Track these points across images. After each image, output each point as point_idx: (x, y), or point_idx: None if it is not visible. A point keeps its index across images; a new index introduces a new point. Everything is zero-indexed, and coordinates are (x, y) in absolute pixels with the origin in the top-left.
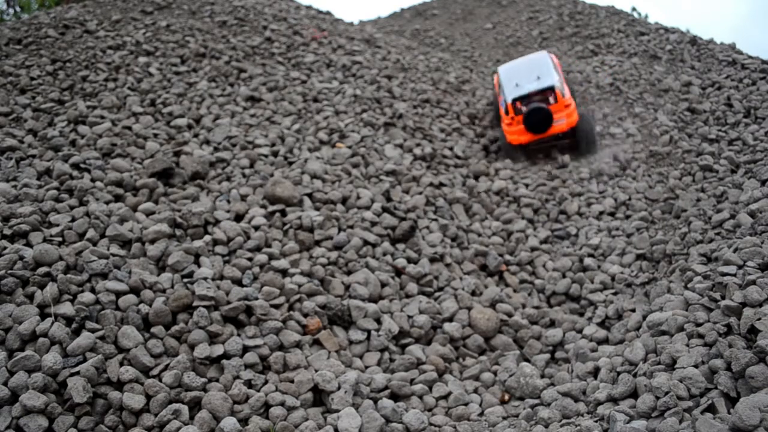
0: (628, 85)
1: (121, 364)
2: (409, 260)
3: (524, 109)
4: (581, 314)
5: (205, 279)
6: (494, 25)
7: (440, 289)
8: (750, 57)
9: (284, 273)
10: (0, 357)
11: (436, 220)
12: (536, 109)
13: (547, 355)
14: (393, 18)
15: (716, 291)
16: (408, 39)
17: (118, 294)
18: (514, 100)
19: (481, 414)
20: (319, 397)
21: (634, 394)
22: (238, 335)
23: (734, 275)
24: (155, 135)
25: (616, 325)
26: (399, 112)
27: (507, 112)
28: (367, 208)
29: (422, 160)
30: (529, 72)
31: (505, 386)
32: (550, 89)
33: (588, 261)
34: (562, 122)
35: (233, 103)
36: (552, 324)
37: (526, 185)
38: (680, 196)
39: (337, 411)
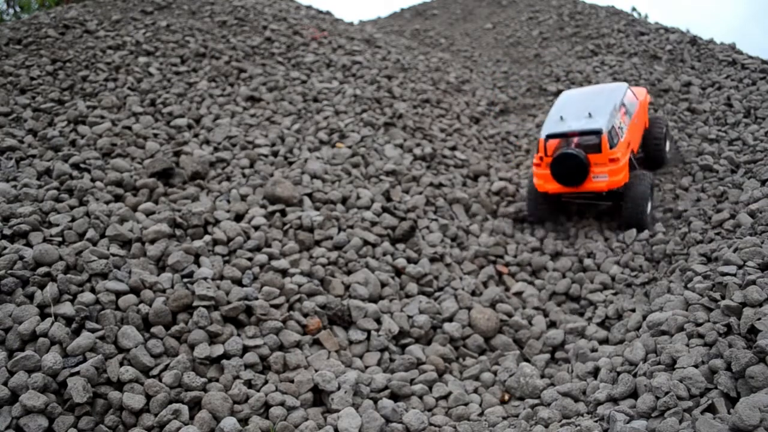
0: None
1: (121, 364)
2: (409, 260)
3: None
4: (581, 314)
5: (205, 279)
6: (494, 25)
7: (440, 289)
8: (750, 57)
9: (284, 273)
10: (0, 357)
11: (436, 220)
12: (567, 155)
13: (547, 355)
14: (393, 18)
15: (716, 291)
16: (408, 39)
17: (118, 294)
18: (548, 137)
19: (481, 414)
20: (319, 397)
21: (634, 394)
22: (238, 335)
23: (734, 275)
24: (155, 135)
25: (616, 325)
26: (399, 112)
27: (537, 150)
28: (367, 208)
29: (422, 160)
30: (586, 105)
31: (505, 386)
32: (596, 133)
33: (588, 261)
34: (601, 179)
35: (233, 103)
36: (552, 324)
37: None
38: (680, 196)
39: (337, 411)
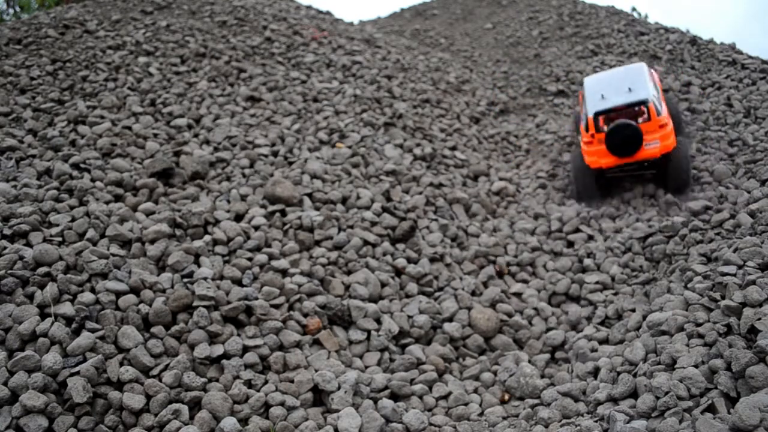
0: None
1: (121, 364)
2: (409, 260)
3: (607, 126)
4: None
5: (205, 279)
6: (494, 25)
7: (440, 289)
8: (750, 57)
9: (284, 273)
10: (0, 357)
11: (436, 220)
12: (622, 125)
13: (547, 355)
14: (393, 18)
15: (716, 291)
16: (408, 39)
17: (118, 294)
18: (597, 115)
19: (481, 414)
20: (319, 397)
21: (634, 394)
22: (238, 335)
23: (734, 275)
24: (155, 135)
25: (616, 325)
26: (399, 112)
27: (587, 129)
28: (367, 208)
29: (422, 160)
30: (619, 83)
31: (505, 386)
32: (643, 103)
33: (588, 261)
34: (654, 145)
35: (233, 103)
36: (553, 327)
37: (527, 186)
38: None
39: (337, 411)
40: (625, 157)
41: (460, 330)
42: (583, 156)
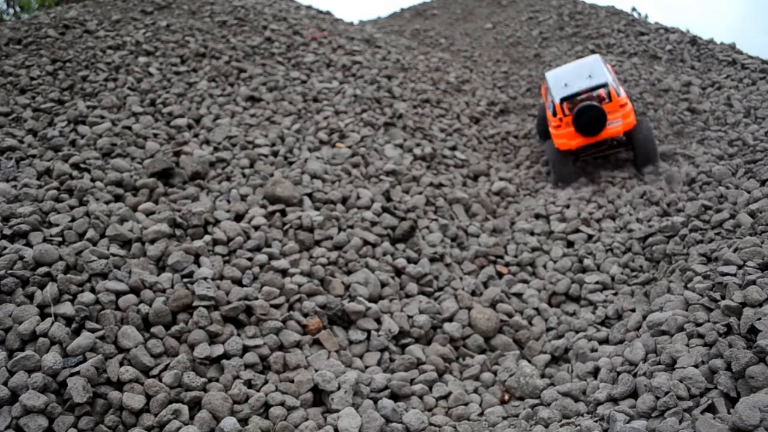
0: (628, 85)
1: (121, 364)
2: (409, 260)
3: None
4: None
5: (205, 279)
6: (494, 25)
7: (440, 289)
8: (750, 57)
9: (284, 273)
10: (0, 357)
11: (436, 220)
12: (587, 107)
13: (547, 356)
14: (393, 18)
15: (716, 291)
16: (408, 39)
17: (118, 294)
18: (563, 100)
19: (481, 414)
20: (319, 397)
21: (634, 394)
22: (238, 335)
23: (734, 275)
24: (155, 135)
25: (616, 325)
26: (399, 112)
27: (555, 113)
28: (367, 208)
29: (422, 160)
30: (579, 73)
31: (505, 386)
32: (603, 86)
33: (588, 261)
34: (617, 124)
35: (233, 103)
36: (553, 327)
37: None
38: (680, 196)
39: (337, 411)
40: (592, 137)
41: (460, 330)
42: (553, 140)
